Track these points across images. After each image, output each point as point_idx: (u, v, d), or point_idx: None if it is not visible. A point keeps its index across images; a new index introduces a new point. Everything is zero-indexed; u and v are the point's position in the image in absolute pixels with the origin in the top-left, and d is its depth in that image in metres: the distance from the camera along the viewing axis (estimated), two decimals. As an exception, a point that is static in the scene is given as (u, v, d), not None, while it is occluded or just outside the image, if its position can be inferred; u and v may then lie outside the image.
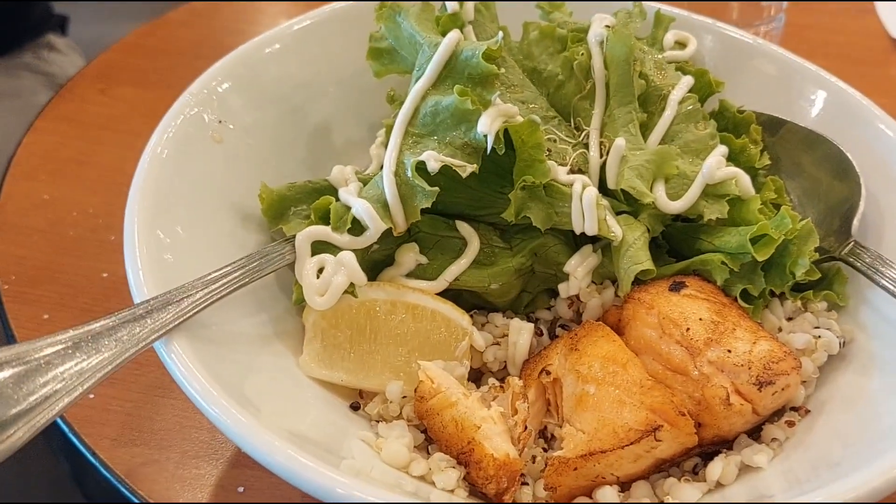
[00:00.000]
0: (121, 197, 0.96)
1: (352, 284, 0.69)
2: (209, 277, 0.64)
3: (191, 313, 0.61)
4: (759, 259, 0.70)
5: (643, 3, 0.88)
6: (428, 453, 0.66)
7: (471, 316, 0.74)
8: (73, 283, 0.89)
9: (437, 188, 0.70)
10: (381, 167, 0.76)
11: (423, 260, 0.74)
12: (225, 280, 0.65)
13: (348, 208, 0.72)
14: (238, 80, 0.80)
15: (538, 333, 0.74)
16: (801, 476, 0.60)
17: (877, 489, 0.54)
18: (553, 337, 0.75)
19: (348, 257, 0.69)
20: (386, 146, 0.79)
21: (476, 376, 0.74)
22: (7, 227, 0.95)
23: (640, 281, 0.72)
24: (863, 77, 0.92)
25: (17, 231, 0.95)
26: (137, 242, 0.64)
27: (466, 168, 0.70)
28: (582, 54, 0.80)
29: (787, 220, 0.70)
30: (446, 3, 0.79)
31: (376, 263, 0.75)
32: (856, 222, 0.74)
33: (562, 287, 0.75)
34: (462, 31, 0.79)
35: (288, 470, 0.55)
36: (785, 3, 1.18)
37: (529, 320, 0.75)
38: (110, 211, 0.98)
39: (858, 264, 0.71)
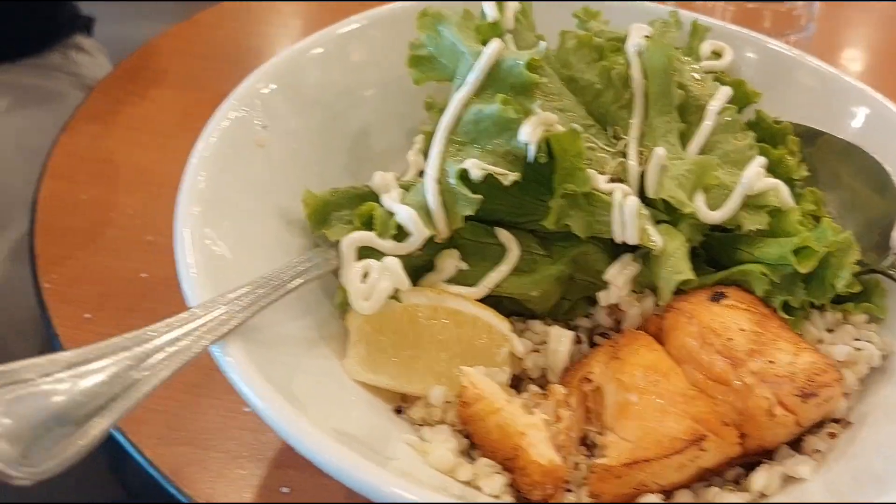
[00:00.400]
0: (157, 199, 0.98)
1: (396, 289, 0.70)
2: (260, 281, 0.65)
3: (245, 318, 0.62)
4: (802, 271, 0.70)
5: (679, 12, 0.90)
6: (470, 458, 0.67)
7: (510, 322, 0.75)
8: (113, 283, 0.90)
9: (480, 196, 0.70)
10: (420, 173, 0.77)
11: (464, 266, 0.75)
12: (275, 283, 0.65)
13: (391, 214, 0.73)
14: (282, 84, 0.81)
15: (578, 341, 0.75)
16: (845, 488, 0.61)
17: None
18: (592, 345, 0.76)
19: (394, 263, 0.70)
20: (424, 153, 0.81)
21: (515, 383, 0.74)
22: (47, 226, 0.96)
23: (680, 290, 0.73)
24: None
25: (56, 231, 0.96)
26: (190, 246, 0.65)
27: (509, 176, 0.71)
28: (620, 64, 0.81)
29: (829, 233, 0.71)
30: (486, 11, 0.79)
31: (417, 269, 0.75)
32: (895, 235, 0.75)
33: (601, 295, 0.75)
34: (502, 40, 0.80)
35: (339, 468, 0.56)
36: (816, 9, 1.19)
37: (568, 327, 0.76)
38: (146, 212, 0.99)
39: (901, 277, 0.72)
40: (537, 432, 0.65)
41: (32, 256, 0.93)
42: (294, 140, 0.80)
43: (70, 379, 0.54)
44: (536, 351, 0.74)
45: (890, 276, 0.72)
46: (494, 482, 0.63)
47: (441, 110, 0.80)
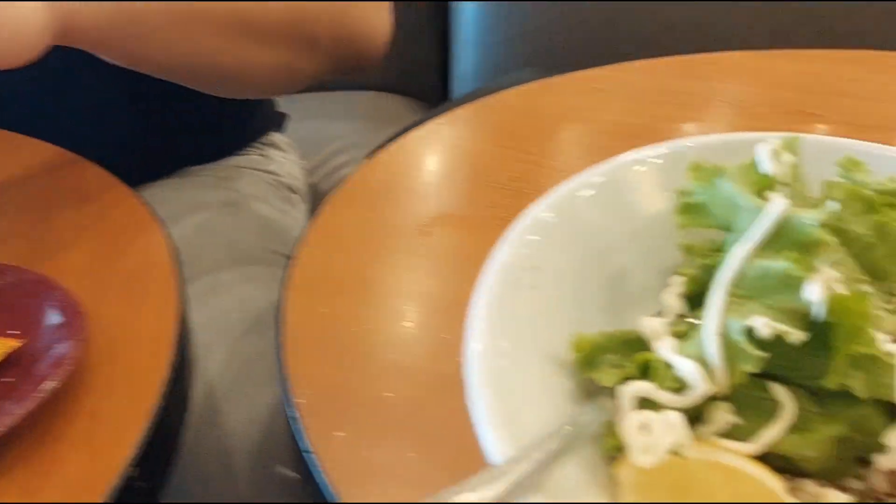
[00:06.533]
0: (398, 315, 1.01)
1: (676, 444, 0.70)
2: (550, 435, 0.66)
3: (538, 473, 0.63)
4: None
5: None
6: None
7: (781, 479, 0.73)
8: (361, 402, 0.93)
9: (765, 353, 0.70)
10: (681, 320, 0.77)
11: (737, 420, 0.74)
12: (562, 437, 0.67)
13: (669, 366, 0.73)
14: (552, 224, 0.84)
15: (853, 505, 0.73)
16: None
17: None
18: (866, 510, 0.73)
19: (677, 418, 0.70)
20: (684, 298, 0.81)
21: (782, 544, 0.72)
22: (293, 341, 1.01)
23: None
24: None
25: (302, 346, 1.00)
26: (489, 404, 0.67)
27: (795, 335, 0.71)
28: (895, 219, 0.80)
29: None
30: (762, 163, 0.80)
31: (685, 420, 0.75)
32: None
33: (879, 458, 0.73)
34: (779, 192, 0.81)
35: None
36: None
37: (840, 488, 0.74)
38: (385, 328, 1.02)
39: None
40: None
41: (282, 368, 0.97)
42: (562, 281, 0.82)
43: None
44: (810, 513, 0.73)
45: None
46: None
47: (702, 254, 0.82)
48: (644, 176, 0.92)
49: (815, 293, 0.70)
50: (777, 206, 0.74)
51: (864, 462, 0.75)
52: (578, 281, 0.85)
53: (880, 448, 0.73)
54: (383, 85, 2.84)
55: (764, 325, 0.70)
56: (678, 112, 1.53)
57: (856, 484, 0.75)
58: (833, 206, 0.75)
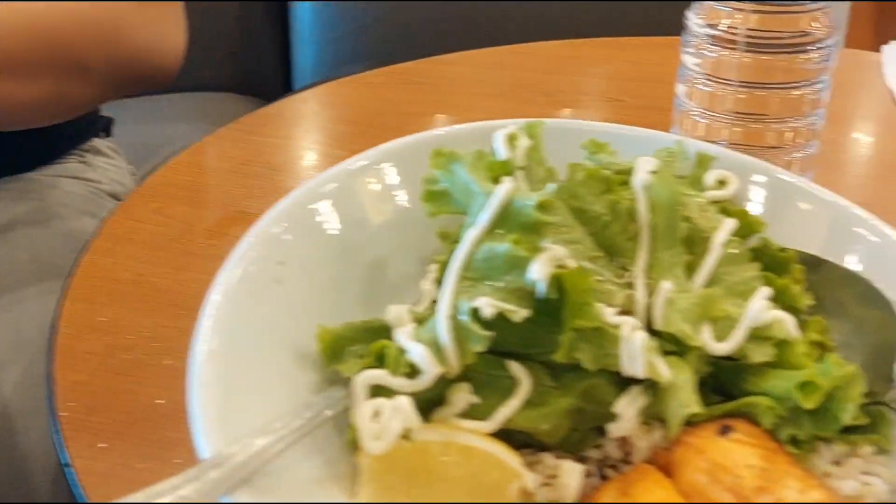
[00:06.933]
0: (177, 319, 1.00)
1: (406, 428, 0.71)
2: (273, 427, 0.66)
3: (256, 467, 0.63)
4: (806, 406, 0.71)
5: (684, 141, 0.93)
6: None
7: (521, 454, 0.76)
8: (130, 409, 0.91)
9: (491, 332, 0.72)
10: (434, 305, 0.79)
11: (475, 400, 0.76)
12: (288, 429, 0.67)
13: (403, 351, 0.74)
14: (296, 221, 0.84)
15: (588, 474, 0.76)
16: None
17: None
18: (603, 477, 0.76)
19: (405, 403, 0.71)
20: (438, 282, 0.83)
21: (524, 517, 0.75)
22: (66, 351, 0.98)
23: (687, 422, 0.74)
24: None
25: (75, 356, 0.98)
26: (203, 394, 0.67)
27: (519, 313, 0.73)
28: (627, 198, 0.84)
29: (834, 368, 0.72)
30: (497, 149, 0.82)
31: (428, 403, 0.76)
32: (897, 367, 0.76)
33: (611, 427, 0.76)
34: (513, 175, 0.83)
35: None
36: (819, 128, 1.21)
37: (578, 459, 0.77)
38: (166, 334, 1.01)
39: (904, 411, 0.72)
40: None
41: (50, 381, 0.95)
42: (309, 275, 0.82)
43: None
44: (548, 484, 0.75)
45: (893, 409, 0.73)
46: None
47: (455, 241, 0.83)
48: (405, 165, 0.93)
49: (536, 272, 0.72)
50: (502, 190, 0.76)
51: (604, 432, 0.78)
52: (332, 274, 0.85)
53: (613, 417, 0.76)
54: (225, 85, 2.80)
55: (487, 305, 0.72)
56: (490, 102, 1.57)
57: (594, 453, 0.78)
58: (552, 188, 0.78)
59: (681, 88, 1.19)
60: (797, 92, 1.13)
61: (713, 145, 0.96)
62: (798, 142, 1.18)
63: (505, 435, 0.77)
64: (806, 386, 0.72)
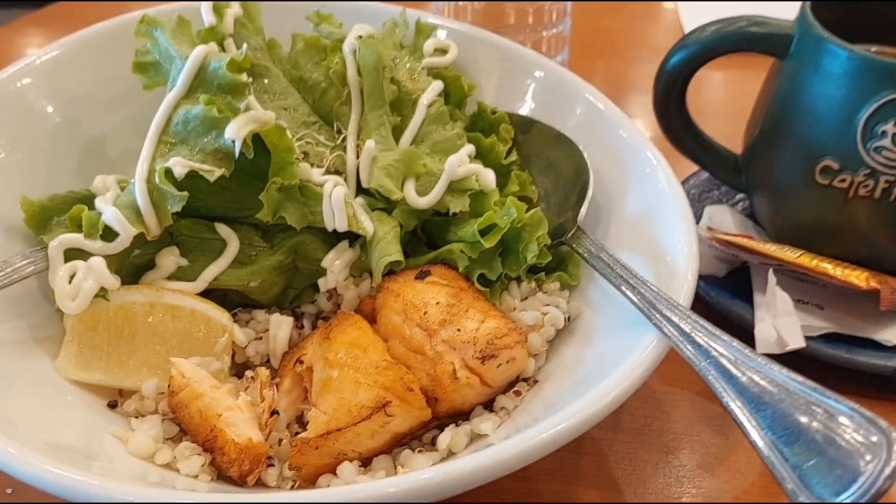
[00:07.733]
0: None
1: (103, 289, 0.73)
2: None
3: None
4: (487, 246, 0.76)
5: (407, 11, 0.95)
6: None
7: (234, 314, 0.78)
8: None
9: (186, 193, 0.73)
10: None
11: (183, 262, 0.78)
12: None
13: (100, 215, 0.75)
14: (7, 95, 0.82)
15: (299, 327, 0.79)
16: (518, 431, 0.65)
17: (580, 422, 0.61)
18: (315, 329, 0.80)
19: (97, 263, 0.72)
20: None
21: (243, 371, 0.77)
22: None
23: (393, 272, 0.78)
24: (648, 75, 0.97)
25: None
26: None
27: (214, 173, 0.74)
28: (337, 63, 0.86)
29: (513, 211, 0.77)
30: (204, 16, 0.83)
31: (138, 268, 0.78)
32: (583, 211, 0.81)
33: (321, 281, 0.79)
34: (223, 44, 0.84)
35: (37, 478, 0.58)
36: (569, 5, 1.26)
37: (294, 315, 0.80)
38: None
39: (579, 249, 0.78)
40: (238, 413, 0.68)
41: None
42: (20, 149, 0.81)
43: None
44: (260, 339, 0.78)
45: (572, 248, 0.79)
46: (192, 463, 0.66)
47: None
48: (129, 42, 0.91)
49: (231, 131, 0.74)
50: (196, 52, 0.76)
51: (317, 288, 0.81)
52: (48, 150, 0.84)
53: (323, 273, 0.79)
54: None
55: (178, 165, 0.73)
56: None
57: (309, 308, 0.82)
58: (245, 48, 0.79)
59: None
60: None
61: (440, 17, 0.98)
62: (547, 21, 1.22)
63: (221, 297, 0.79)
64: (487, 228, 0.77)
